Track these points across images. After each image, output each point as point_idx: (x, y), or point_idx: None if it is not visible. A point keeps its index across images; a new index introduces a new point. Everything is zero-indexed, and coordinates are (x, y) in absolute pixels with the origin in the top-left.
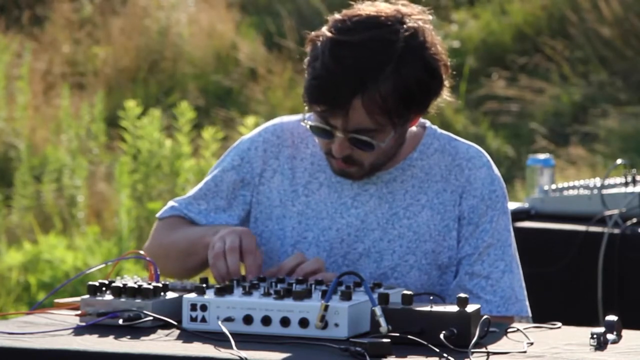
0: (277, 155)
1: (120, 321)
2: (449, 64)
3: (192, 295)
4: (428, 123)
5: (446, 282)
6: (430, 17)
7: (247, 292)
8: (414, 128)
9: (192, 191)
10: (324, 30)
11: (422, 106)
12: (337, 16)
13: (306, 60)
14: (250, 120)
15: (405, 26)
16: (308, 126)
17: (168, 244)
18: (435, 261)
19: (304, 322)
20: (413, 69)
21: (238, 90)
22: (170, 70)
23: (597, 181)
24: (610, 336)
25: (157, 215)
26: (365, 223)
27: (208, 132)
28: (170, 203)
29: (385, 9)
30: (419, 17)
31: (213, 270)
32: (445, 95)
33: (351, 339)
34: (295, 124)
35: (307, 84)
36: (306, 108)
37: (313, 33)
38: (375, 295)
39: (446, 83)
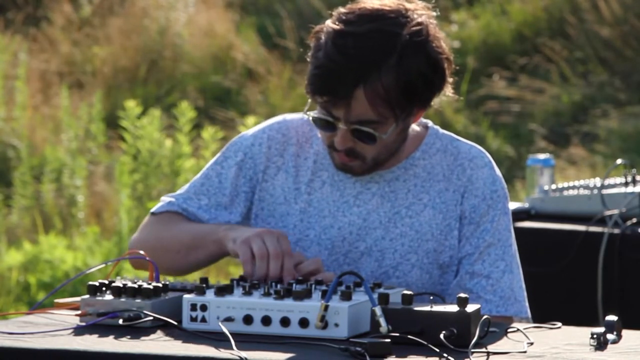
0: (281, 153)
1: (120, 321)
2: (452, 59)
3: (192, 295)
4: (430, 123)
5: (447, 282)
6: (434, 13)
7: (247, 292)
8: (416, 128)
9: (188, 186)
10: (328, 22)
11: (424, 100)
12: (342, 9)
13: (309, 53)
14: (251, 120)
15: (409, 20)
16: (311, 118)
17: (169, 237)
18: (437, 260)
19: (304, 322)
20: (416, 61)
21: (237, 91)
22: (169, 70)
23: (597, 181)
24: (610, 336)
25: (152, 210)
26: (367, 222)
27: (208, 132)
28: (166, 198)
29: (389, 3)
30: (422, 12)
31: (247, 268)
32: (448, 91)
33: (351, 339)
34: (299, 122)
35: (309, 74)
36: (309, 101)
37: (317, 27)
38: (375, 295)
39: (449, 79)
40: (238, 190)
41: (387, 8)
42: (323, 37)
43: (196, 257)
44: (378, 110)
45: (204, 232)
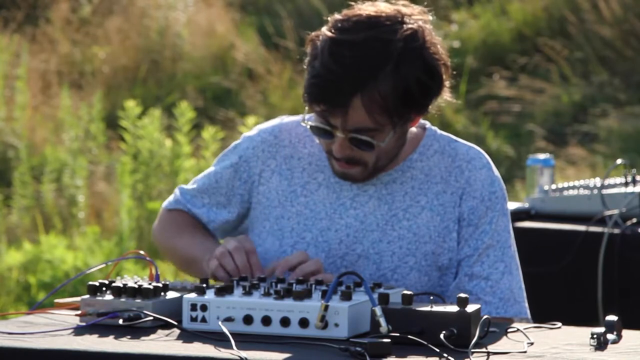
0: (274, 155)
1: (120, 321)
2: (449, 64)
3: (192, 295)
4: (428, 124)
5: (446, 284)
6: (431, 18)
7: (247, 292)
8: (413, 129)
9: (197, 179)
10: (324, 30)
11: (422, 106)
12: (337, 16)
13: (306, 60)
14: (250, 120)
15: (405, 26)
16: (308, 126)
17: (171, 248)
18: (435, 263)
19: (304, 322)
20: (412, 68)
21: (237, 91)
22: (169, 70)
23: (597, 181)
24: (610, 336)
25: (164, 205)
26: (365, 224)
27: (208, 132)
28: (177, 193)
29: (385, 9)
30: (419, 17)
31: (218, 272)
32: (446, 95)
33: (351, 339)
34: (294, 124)
35: (306, 83)
36: (306, 108)
37: (313, 33)
38: (375, 295)
39: (446, 83)
40: (234, 192)
41: (383, 15)
42: (319, 45)
43: (192, 273)
44: (375, 118)
45: (194, 256)
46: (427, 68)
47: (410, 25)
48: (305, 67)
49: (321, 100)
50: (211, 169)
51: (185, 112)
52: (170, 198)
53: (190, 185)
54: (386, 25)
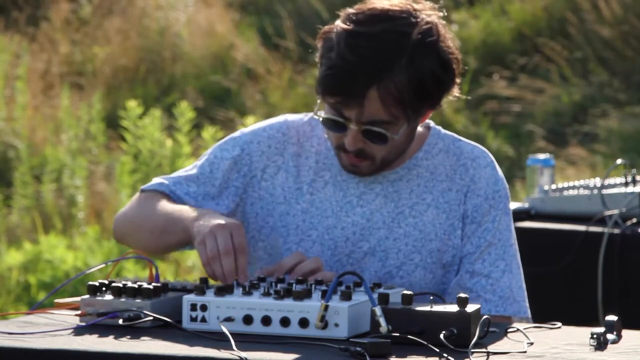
0: (281, 152)
1: (120, 321)
2: (460, 58)
3: (192, 295)
4: (432, 123)
5: (448, 281)
6: (441, 13)
7: (247, 292)
8: (419, 128)
9: (181, 172)
10: (338, 22)
11: (435, 99)
12: (350, 10)
13: (318, 53)
14: (250, 120)
15: (419, 20)
16: (321, 119)
17: (146, 216)
18: (440, 260)
19: (304, 322)
20: (427, 61)
21: (236, 91)
22: (169, 70)
23: (597, 181)
24: (610, 336)
25: (142, 187)
26: (371, 222)
27: (208, 132)
28: (158, 179)
29: (398, 3)
30: (431, 12)
31: (207, 270)
32: (456, 91)
33: (351, 339)
34: (300, 122)
35: (321, 74)
36: (318, 102)
37: (326, 27)
38: (375, 295)
39: (457, 79)
40: (229, 184)
41: (397, 8)
42: (334, 37)
43: (168, 240)
44: (390, 111)
45: (176, 217)
46: (442, 62)
47: (425, 19)
48: (317, 61)
49: (337, 92)
50: (202, 160)
51: (185, 112)
52: (149, 183)
53: (173, 174)
54: (401, 17)
